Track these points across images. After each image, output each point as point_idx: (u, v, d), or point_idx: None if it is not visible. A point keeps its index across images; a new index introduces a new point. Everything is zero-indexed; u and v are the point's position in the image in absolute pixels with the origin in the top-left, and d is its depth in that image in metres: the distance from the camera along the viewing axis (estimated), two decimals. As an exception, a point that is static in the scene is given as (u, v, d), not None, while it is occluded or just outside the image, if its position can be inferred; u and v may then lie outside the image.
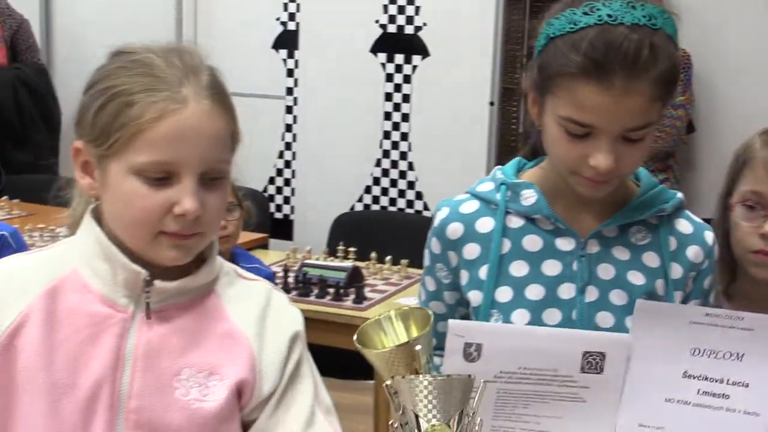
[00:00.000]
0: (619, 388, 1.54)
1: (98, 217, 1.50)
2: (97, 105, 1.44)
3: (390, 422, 1.35)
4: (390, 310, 1.57)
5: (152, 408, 1.45)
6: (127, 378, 1.46)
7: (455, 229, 1.73)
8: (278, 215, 5.19)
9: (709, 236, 1.76)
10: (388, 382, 1.34)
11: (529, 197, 1.69)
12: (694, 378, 1.54)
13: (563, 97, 1.56)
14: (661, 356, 1.54)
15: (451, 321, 1.57)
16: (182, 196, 1.40)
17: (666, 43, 1.56)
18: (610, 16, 1.53)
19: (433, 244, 1.76)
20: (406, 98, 4.80)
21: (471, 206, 1.74)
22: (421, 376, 1.34)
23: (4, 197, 4.40)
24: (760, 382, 1.53)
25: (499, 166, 1.79)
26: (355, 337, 1.53)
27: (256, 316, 1.57)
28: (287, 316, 1.61)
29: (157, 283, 1.47)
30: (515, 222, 1.71)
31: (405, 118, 4.81)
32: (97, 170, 1.46)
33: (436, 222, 1.76)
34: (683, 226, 1.74)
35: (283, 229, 5.07)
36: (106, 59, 1.51)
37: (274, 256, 3.83)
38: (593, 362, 1.53)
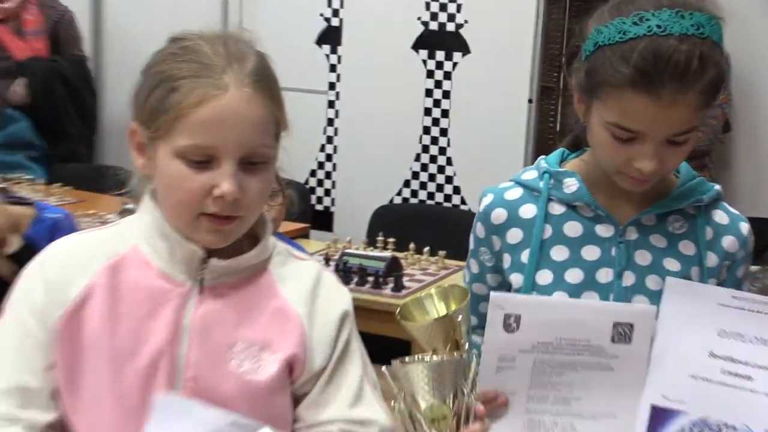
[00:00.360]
0: (645, 358, 1.55)
1: (155, 198, 1.53)
2: (148, 88, 1.47)
3: (391, 403, 1.40)
4: (431, 288, 1.62)
5: (208, 378, 1.48)
6: (184, 349, 1.49)
7: (499, 215, 1.75)
8: (319, 207, 5.19)
9: (745, 227, 1.76)
10: (384, 368, 1.41)
11: (571, 185, 1.71)
12: (719, 358, 1.55)
13: (611, 105, 1.56)
14: (688, 334, 1.55)
15: (492, 293, 1.58)
16: (221, 179, 1.41)
17: (713, 51, 1.55)
18: (659, 26, 1.52)
19: (478, 229, 1.78)
20: (446, 95, 4.79)
21: (515, 193, 1.76)
22: (416, 360, 1.40)
23: (56, 184, 4.46)
24: None
25: (543, 156, 1.80)
26: (397, 311, 1.57)
27: (307, 294, 1.58)
28: (337, 295, 1.62)
29: (213, 261, 1.49)
30: (557, 209, 1.73)
31: (445, 114, 4.81)
32: (149, 150, 1.49)
33: (481, 208, 1.77)
34: (720, 216, 1.75)
35: (323, 220, 5.06)
36: (165, 44, 1.53)
37: (314, 246, 3.82)
38: (623, 333, 1.54)
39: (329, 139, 5.20)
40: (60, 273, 1.50)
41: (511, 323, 1.53)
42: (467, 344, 1.56)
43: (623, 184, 1.65)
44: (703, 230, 1.73)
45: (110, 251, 1.52)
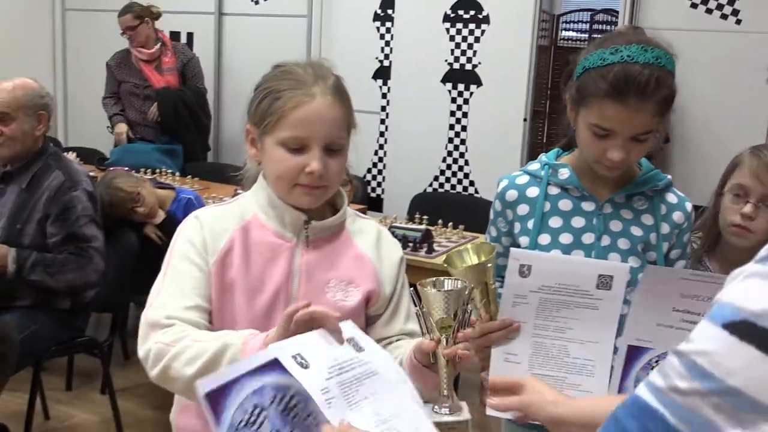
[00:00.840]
0: (621, 301, 1.54)
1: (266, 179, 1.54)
2: (258, 99, 1.48)
3: (415, 311, 1.41)
4: (467, 244, 1.60)
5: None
6: (295, 285, 1.51)
7: (512, 195, 1.73)
8: (373, 195, 5.17)
9: (689, 206, 1.75)
10: (411, 289, 1.44)
11: (564, 173, 1.70)
12: (679, 311, 1.53)
13: (593, 111, 1.55)
14: (658, 298, 1.53)
15: (512, 249, 1.57)
16: (311, 161, 1.43)
17: (667, 76, 1.56)
18: (629, 56, 1.53)
19: (496, 205, 1.76)
20: (464, 115, 4.73)
21: (523, 179, 1.74)
22: (434, 286, 1.38)
23: (188, 176, 4.48)
24: None
25: (544, 153, 1.78)
26: (443, 259, 1.56)
27: (373, 244, 1.59)
28: (394, 245, 1.64)
29: (314, 222, 1.51)
30: (554, 190, 1.71)
31: (464, 129, 4.74)
32: (259, 143, 1.50)
33: (499, 189, 1.75)
34: (671, 198, 1.74)
35: (376, 204, 5.04)
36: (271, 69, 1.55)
37: (392, 237, 3.80)
38: (605, 282, 1.52)
39: (381, 146, 5.16)
40: (210, 230, 1.51)
41: (524, 271, 1.53)
42: (495, 286, 1.56)
43: (600, 171, 1.63)
44: (659, 207, 1.72)
45: (239, 217, 1.53)
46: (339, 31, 5.26)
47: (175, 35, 5.73)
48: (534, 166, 1.75)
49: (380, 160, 5.15)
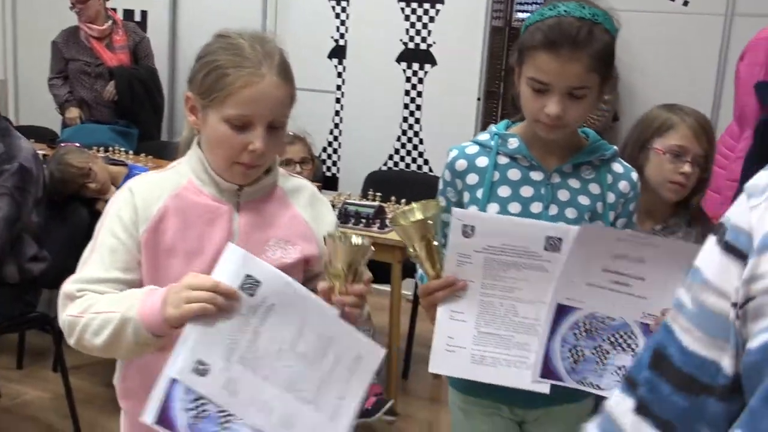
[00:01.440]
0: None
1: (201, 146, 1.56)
2: (204, 71, 1.47)
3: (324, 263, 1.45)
4: (413, 203, 1.60)
5: None
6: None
7: (462, 164, 1.72)
8: (328, 174, 5.15)
9: (634, 176, 1.76)
10: (323, 236, 1.49)
11: (513, 143, 1.69)
12: (609, 272, 1.54)
13: (530, 64, 1.56)
14: (590, 258, 1.54)
15: (453, 209, 1.57)
16: (255, 139, 1.45)
17: (602, 32, 1.56)
18: (565, 11, 1.54)
19: (446, 174, 1.75)
20: (419, 94, 4.75)
21: (473, 149, 1.73)
22: (336, 238, 1.42)
23: (142, 154, 4.43)
24: (652, 278, 1.53)
25: (493, 124, 1.78)
26: (389, 219, 1.57)
27: (307, 203, 1.63)
28: (327, 206, 1.68)
29: (245, 188, 1.53)
30: (503, 160, 1.70)
31: (418, 108, 4.76)
32: (200, 113, 1.50)
33: (449, 159, 1.74)
34: (617, 167, 1.73)
35: (331, 182, 5.03)
36: (212, 38, 1.55)
37: (325, 197, 3.79)
38: (554, 244, 1.53)
39: (336, 125, 5.13)
40: (142, 199, 1.51)
41: (468, 231, 1.53)
42: (437, 243, 1.57)
43: (541, 132, 1.63)
44: (605, 176, 1.71)
45: (173, 184, 1.54)
46: (294, 10, 5.21)
47: (129, 13, 5.63)
48: (484, 136, 1.74)
49: (335, 139, 5.13)
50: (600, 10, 1.57)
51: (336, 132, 5.12)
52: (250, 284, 1.37)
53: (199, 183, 1.53)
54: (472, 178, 1.71)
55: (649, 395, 0.77)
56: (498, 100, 5.49)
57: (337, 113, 5.12)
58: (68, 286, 1.48)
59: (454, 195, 1.74)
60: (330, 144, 5.17)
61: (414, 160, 4.79)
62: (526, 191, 1.67)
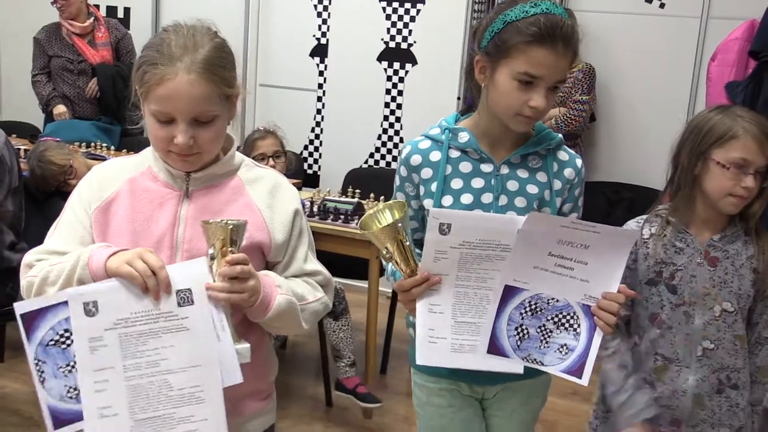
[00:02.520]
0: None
1: None
2: (137, 65, 1.52)
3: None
4: (378, 204, 1.67)
5: (197, 249, 1.54)
6: (180, 231, 1.57)
7: (416, 159, 1.77)
8: (309, 172, 5.20)
9: (579, 162, 1.80)
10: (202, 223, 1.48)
11: (464, 137, 1.74)
12: (554, 256, 1.61)
13: (519, 59, 1.60)
14: (537, 243, 1.60)
15: (432, 209, 1.64)
16: (176, 133, 1.48)
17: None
18: (548, 9, 1.60)
19: (402, 170, 1.80)
20: (400, 93, 4.81)
21: (426, 144, 1.78)
22: (210, 224, 1.46)
23: (124, 150, 4.50)
24: (594, 263, 1.60)
25: (444, 118, 1.82)
26: (358, 224, 1.64)
27: (266, 192, 1.63)
28: (291, 196, 1.66)
29: (193, 174, 1.57)
30: (454, 153, 1.75)
31: (399, 107, 4.82)
32: (143, 106, 1.54)
33: (403, 155, 1.80)
34: (562, 155, 1.79)
35: (313, 180, 5.08)
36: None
37: (305, 194, 3.87)
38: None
39: (317, 123, 5.18)
40: (98, 180, 1.61)
41: (444, 229, 1.58)
42: (409, 242, 1.63)
43: (517, 126, 1.68)
44: (551, 165, 1.76)
45: (132, 171, 1.61)
46: (276, 9, 5.26)
47: (112, 10, 5.69)
48: (435, 131, 1.79)
49: (317, 137, 5.18)
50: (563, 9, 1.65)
51: (317, 130, 5.17)
52: (185, 297, 1.42)
53: (156, 169, 1.60)
54: (426, 173, 1.76)
55: None
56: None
57: (318, 111, 5.18)
58: (28, 256, 1.58)
59: (412, 189, 1.79)
60: (311, 142, 5.22)
61: (395, 159, 4.85)
62: (477, 183, 1.73)
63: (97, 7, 5.40)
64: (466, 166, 1.74)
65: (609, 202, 4.24)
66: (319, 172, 5.17)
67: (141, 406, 1.42)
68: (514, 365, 1.64)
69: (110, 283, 1.42)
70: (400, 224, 1.59)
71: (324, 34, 5.12)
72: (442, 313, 1.64)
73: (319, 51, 5.15)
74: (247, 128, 4.69)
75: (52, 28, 5.04)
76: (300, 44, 5.19)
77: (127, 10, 5.71)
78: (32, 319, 1.40)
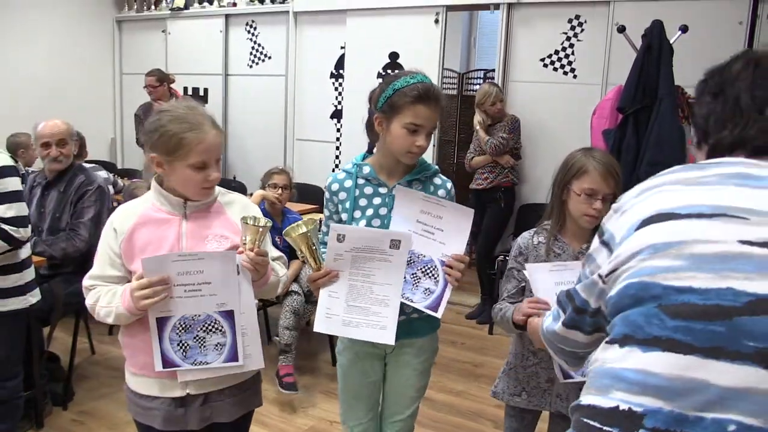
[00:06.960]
0: (406, 257, 1.62)
1: (159, 182, 1.61)
2: (163, 139, 1.52)
3: None
4: (302, 221, 1.68)
5: None
6: (184, 242, 1.57)
7: (335, 186, 1.76)
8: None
9: (449, 185, 1.76)
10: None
11: (366, 170, 1.74)
12: (420, 223, 1.63)
13: (408, 114, 1.60)
14: (406, 213, 1.62)
15: (332, 224, 1.69)
16: (212, 173, 1.54)
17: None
18: (421, 80, 1.62)
19: (326, 194, 1.78)
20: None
21: (341, 175, 1.78)
22: (245, 221, 1.52)
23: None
24: (447, 229, 1.61)
25: (355, 156, 1.81)
26: (283, 233, 1.66)
27: (239, 212, 1.63)
28: (254, 211, 1.66)
29: (189, 203, 1.59)
30: (361, 181, 1.74)
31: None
32: (166, 166, 1.54)
33: (327, 183, 1.78)
34: (437, 180, 1.76)
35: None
36: (155, 115, 1.55)
37: (255, 207, 3.62)
38: (395, 244, 1.61)
39: (336, 165, 5.14)
40: (119, 222, 1.60)
41: (340, 238, 1.61)
42: (316, 247, 1.65)
43: (407, 160, 1.67)
44: (429, 187, 1.74)
45: (140, 208, 1.61)
46: (306, 85, 5.34)
47: (195, 90, 5.86)
48: (348, 166, 1.77)
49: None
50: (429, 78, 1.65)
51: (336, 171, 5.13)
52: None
53: (158, 203, 1.60)
54: (342, 195, 1.75)
55: (567, 316, 1.09)
56: (454, 148, 5.64)
57: (336, 157, 5.23)
58: (85, 281, 1.60)
59: (333, 207, 1.78)
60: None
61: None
62: (376, 201, 1.72)
63: (186, 88, 5.55)
64: (368, 190, 1.74)
65: (536, 218, 4.23)
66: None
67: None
68: (385, 336, 1.63)
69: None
70: (309, 234, 1.61)
71: (339, 102, 5.18)
72: (337, 298, 1.63)
73: (337, 114, 5.21)
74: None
75: (146, 105, 5.10)
76: (323, 109, 5.25)
77: (205, 90, 5.87)
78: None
